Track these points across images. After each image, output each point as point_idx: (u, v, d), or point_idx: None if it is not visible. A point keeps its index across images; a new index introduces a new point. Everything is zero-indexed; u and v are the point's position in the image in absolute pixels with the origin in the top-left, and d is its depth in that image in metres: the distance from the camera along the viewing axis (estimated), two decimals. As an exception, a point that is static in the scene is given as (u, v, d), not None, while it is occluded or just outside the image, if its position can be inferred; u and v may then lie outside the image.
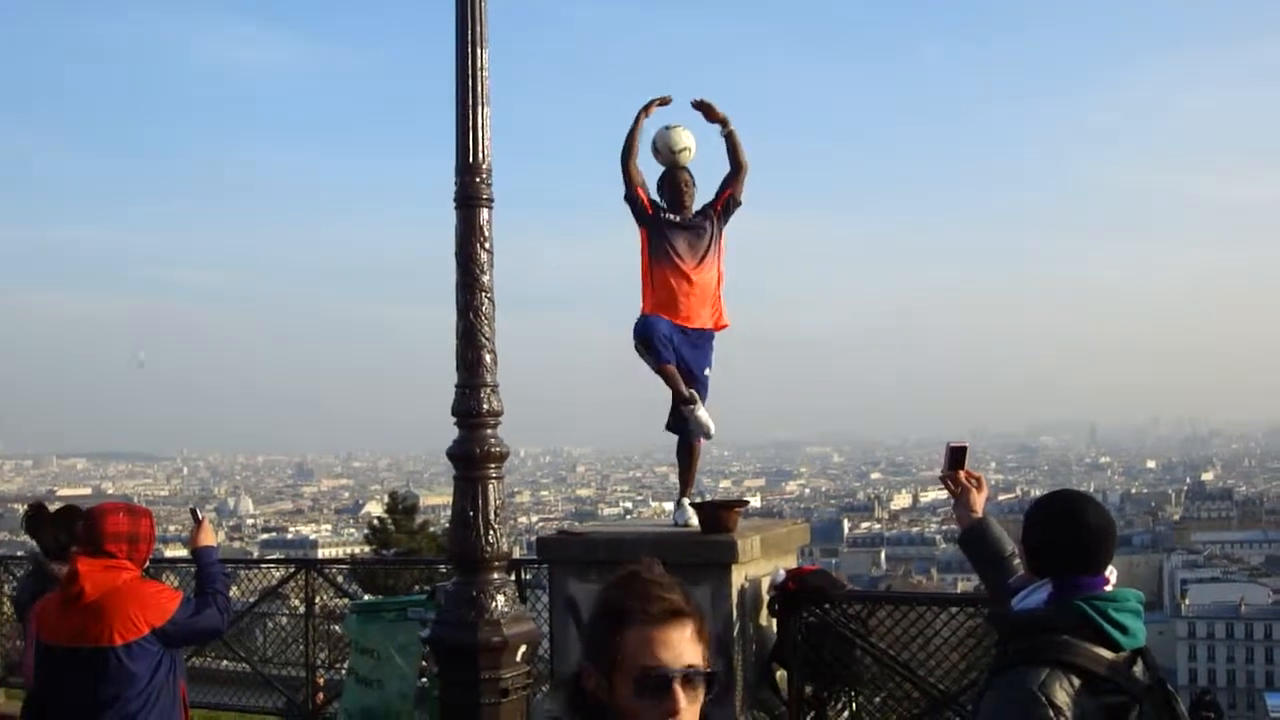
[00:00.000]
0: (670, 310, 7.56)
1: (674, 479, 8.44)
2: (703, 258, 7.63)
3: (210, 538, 5.55)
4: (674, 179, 7.75)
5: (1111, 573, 3.18)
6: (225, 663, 10.86)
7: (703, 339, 7.67)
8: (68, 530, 5.98)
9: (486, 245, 6.36)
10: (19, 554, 13.38)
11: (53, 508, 6.64)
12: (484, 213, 6.36)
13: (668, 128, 7.75)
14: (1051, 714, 2.81)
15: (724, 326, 7.74)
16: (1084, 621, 2.97)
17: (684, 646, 2.14)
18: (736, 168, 7.83)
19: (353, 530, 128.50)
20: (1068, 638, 2.94)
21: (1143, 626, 3.04)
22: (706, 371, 7.66)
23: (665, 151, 7.73)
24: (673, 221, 7.66)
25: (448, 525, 6.76)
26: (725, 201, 7.78)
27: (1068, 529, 3.15)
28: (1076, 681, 2.87)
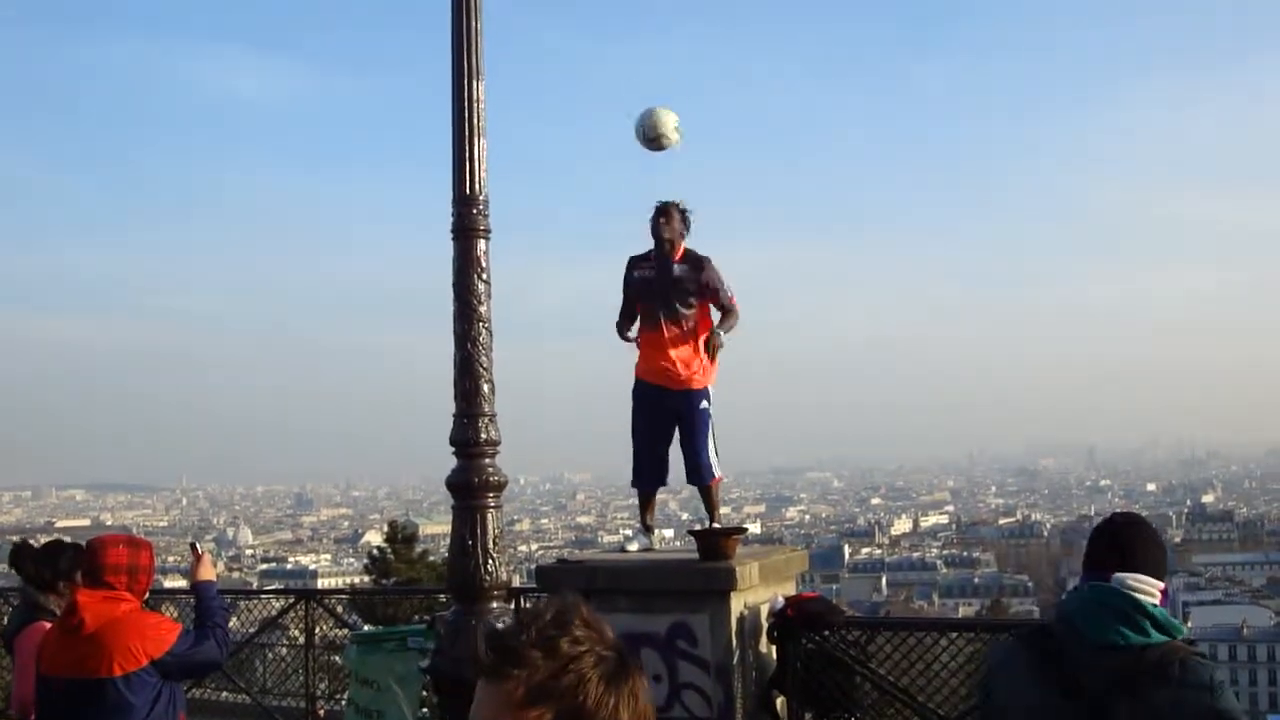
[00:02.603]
0: (650, 374, 7.88)
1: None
2: (681, 326, 7.79)
3: (210, 572, 5.57)
4: (654, 221, 7.88)
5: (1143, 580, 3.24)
6: (225, 694, 10.85)
7: (687, 397, 7.84)
8: (52, 564, 6.02)
9: (484, 276, 6.40)
10: (15, 586, 13.38)
11: (53, 539, 6.69)
12: (481, 243, 6.41)
13: (650, 110, 7.83)
14: (989, 669, 3.50)
15: (704, 385, 7.89)
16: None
17: (487, 705, 1.89)
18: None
19: (352, 560, 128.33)
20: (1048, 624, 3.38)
21: (1102, 624, 3.15)
22: (704, 405, 7.87)
23: (643, 139, 7.84)
24: (649, 285, 7.85)
25: (447, 554, 6.77)
26: (709, 301, 7.92)
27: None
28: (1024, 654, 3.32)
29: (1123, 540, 3.35)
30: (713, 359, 7.81)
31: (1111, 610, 3.17)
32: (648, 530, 8.18)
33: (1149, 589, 3.19)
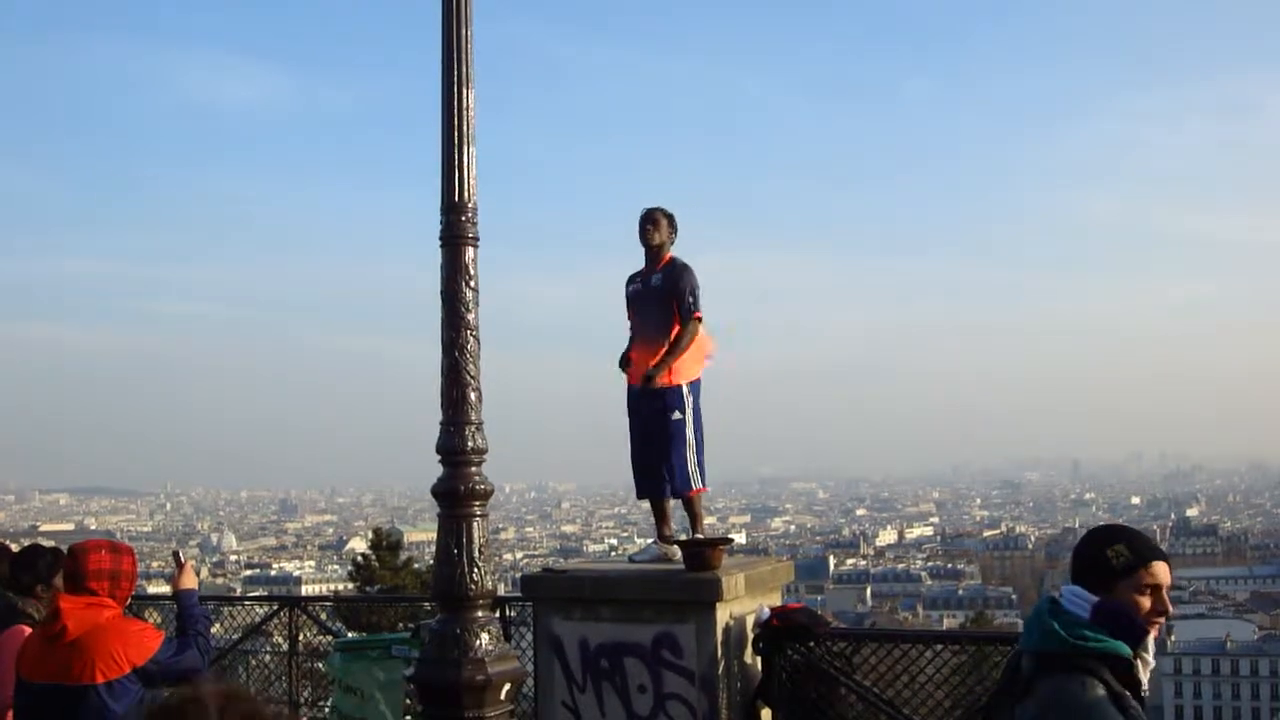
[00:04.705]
0: (632, 379, 7.89)
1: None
2: (660, 334, 7.74)
3: (192, 580, 5.55)
4: (641, 229, 7.96)
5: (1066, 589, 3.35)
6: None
7: (657, 393, 7.68)
8: (31, 569, 5.99)
9: (472, 283, 6.37)
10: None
11: (31, 543, 6.65)
12: (469, 251, 6.38)
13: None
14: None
15: (673, 384, 7.70)
16: None
17: None
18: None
19: (336, 567, 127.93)
20: None
21: (1026, 632, 3.33)
22: (676, 415, 7.68)
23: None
24: (637, 297, 7.95)
25: (432, 562, 6.75)
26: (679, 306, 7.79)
27: None
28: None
29: (1074, 554, 3.41)
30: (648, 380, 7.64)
31: (1033, 619, 3.30)
32: (662, 540, 7.94)
33: (1077, 602, 3.23)
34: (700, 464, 7.77)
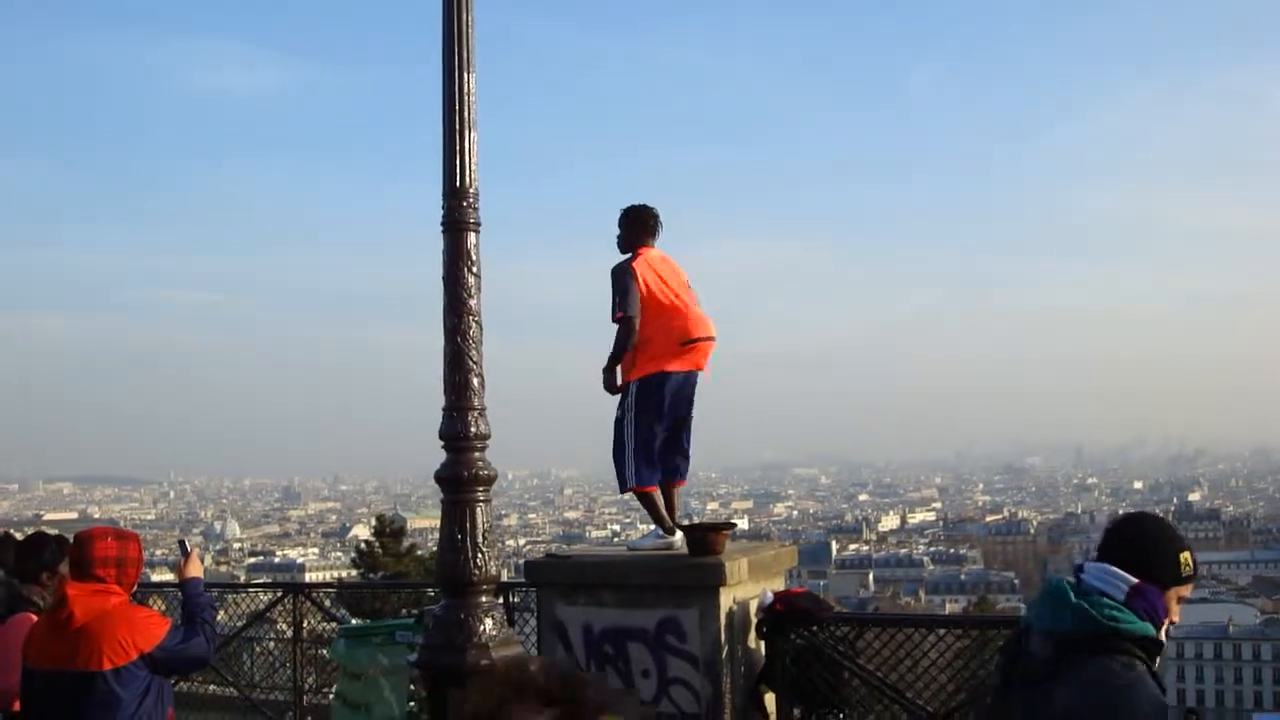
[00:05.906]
0: None
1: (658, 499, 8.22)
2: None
3: (197, 569, 5.56)
4: None
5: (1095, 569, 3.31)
6: (213, 687, 10.82)
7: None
8: (36, 556, 6.02)
9: (474, 269, 6.36)
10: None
11: (36, 531, 6.69)
12: (471, 236, 6.37)
13: None
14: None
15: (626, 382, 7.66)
16: None
17: None
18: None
19: (340, 554, 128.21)
20: None
21: (1039, 611, 3.31)
22: (616, 415, 7.66)
23: None
24: None
25: (435, 548, 6.76)
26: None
27: None
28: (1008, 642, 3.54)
29: (1106, 535, 3.38)
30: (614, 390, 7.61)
31: (1049, 597, 3.26)
32: (663, 526, 7.76)
33: (1111, 581, 3.21)
34: (627, 462, 7.59)
